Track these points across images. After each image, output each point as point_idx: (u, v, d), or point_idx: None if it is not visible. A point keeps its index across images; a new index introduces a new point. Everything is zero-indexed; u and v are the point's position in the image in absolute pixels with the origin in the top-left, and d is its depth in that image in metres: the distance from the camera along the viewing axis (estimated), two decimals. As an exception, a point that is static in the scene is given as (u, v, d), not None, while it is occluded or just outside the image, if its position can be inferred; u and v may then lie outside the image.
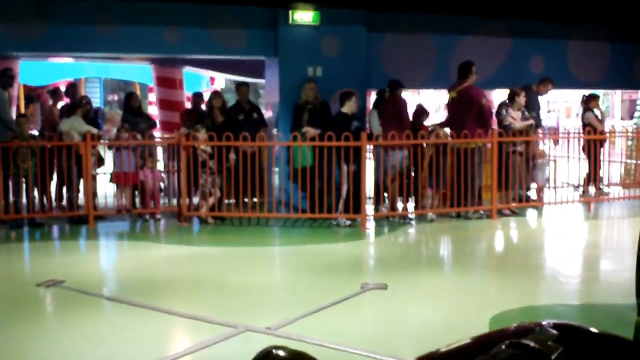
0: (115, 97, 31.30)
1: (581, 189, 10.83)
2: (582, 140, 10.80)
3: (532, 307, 5.35)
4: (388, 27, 10.14)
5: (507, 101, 9.86)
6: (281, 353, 1.54)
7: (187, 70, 13.10)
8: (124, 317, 5.24)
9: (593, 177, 10.67)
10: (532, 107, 10.10)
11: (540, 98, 10.63)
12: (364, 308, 5.41)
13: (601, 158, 10.92)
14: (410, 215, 9.15)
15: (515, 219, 9.49)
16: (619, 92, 16.95)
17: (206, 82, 16.54)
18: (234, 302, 5.61)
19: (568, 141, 10.84)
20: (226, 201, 9.11)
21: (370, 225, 8.88)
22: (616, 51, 11.67)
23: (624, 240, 8.59)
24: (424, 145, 9.11)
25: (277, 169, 9.51)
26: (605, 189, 11.11)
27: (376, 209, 9.33)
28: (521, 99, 9.77)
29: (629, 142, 12.26)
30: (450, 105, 9.63)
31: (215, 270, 6.73)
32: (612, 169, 11.73)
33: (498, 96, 12.80)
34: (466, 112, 9.22)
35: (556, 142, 11.67)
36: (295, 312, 5.12)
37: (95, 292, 5.95)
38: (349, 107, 8.85)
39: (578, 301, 5.70)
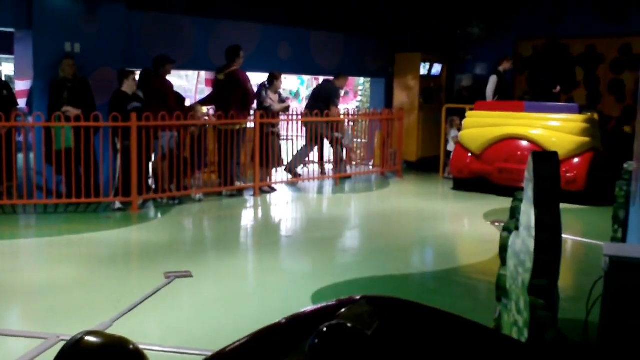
0: None
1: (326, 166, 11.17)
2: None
3: (349, 281, 5.20)
4: (148, 5, 9.24)
5: (267, 84, 9.70)
6: (94, 339, 1.26)
7: None
8: None
9: (337, 156, 11.07)
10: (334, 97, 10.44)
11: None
12: (177, 300, 4.75)
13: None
14: (177, 196, 8.49)
15: (276, 195, 9.41)
16: (321, 78, 17.51)
17: None
18: (27, 308, 4.55)
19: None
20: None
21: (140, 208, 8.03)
22: (349, 42, 12.19)
23: (378, 211, 8.72)
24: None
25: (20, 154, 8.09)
26: (346, 167, 11.58)
27: (142, 192, 8.47)
28: (279, 83, 9.69)
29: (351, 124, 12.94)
30: (218, 87, 9.16)
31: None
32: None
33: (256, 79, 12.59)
34: (232, 94, 8.84)
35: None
36: (107, 314, 4.30)
37: None
38: (128, 86, 7.85)
39: (375, 273, 5.49)
